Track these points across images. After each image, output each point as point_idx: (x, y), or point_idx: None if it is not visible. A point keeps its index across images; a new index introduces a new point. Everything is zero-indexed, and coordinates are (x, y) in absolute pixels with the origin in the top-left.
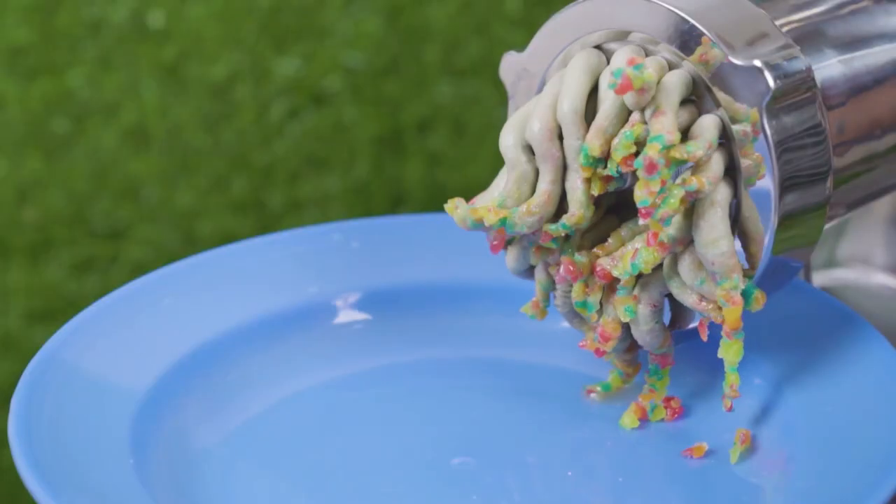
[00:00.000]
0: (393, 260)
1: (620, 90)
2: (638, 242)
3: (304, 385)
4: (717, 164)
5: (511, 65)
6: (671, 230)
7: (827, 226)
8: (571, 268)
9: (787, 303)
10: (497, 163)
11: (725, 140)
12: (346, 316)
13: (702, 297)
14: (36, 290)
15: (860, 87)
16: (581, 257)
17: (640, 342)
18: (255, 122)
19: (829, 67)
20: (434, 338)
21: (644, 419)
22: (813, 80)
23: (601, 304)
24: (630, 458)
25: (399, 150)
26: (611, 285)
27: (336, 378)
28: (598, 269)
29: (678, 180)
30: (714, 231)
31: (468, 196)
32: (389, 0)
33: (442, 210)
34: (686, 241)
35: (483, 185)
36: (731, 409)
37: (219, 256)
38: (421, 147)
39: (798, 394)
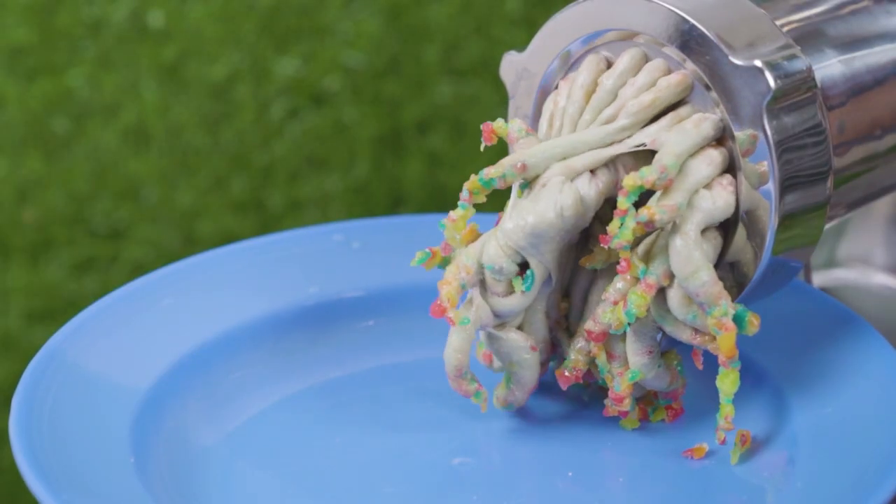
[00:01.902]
0: (394, 260)
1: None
2: (619, 282)
3: (305, 385)
4: (680, 193)
5: (511, 65)
6: (651, 267)
7: (827, 226)
8: (567, 376)
9: (787, 304)
10: (496, 163)
11: (725, 139)
12: (347, 316)
13: (696, 331)
14: (36, 290)
15: (860, 87)
16: (577, 355)
17: (649, 388)
18: (255, 122)
19: (830, 67)
20: (434, 338)
21: (644, 420)
22: (813, 79)
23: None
24: (630, 458)
25: (399, 150)
26: (607, 344)
27: (336, 378)
28: (589, 336)
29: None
30: (690, 264)
31: None
32: (389, 0)
33: (442, 210)
34: (670, 273)
35: None
36: (724, 442)
37: (219, 256)
38: (421, 147)
39: (798, 395)
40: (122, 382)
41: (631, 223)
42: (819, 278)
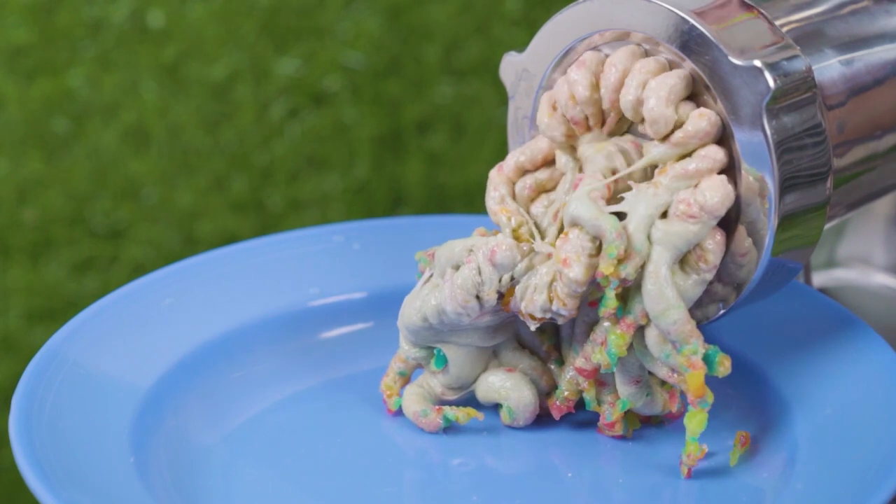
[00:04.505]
0: (394, 261)
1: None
2: (606, 322)
3: (305, 385)
4: (634, 237)
5: (511, 65)
6: (629, 307)
7: (827, 226)
8: (559, 405)
9: (787, 306)
10: (496, 163)
11: (725, 138)
12: (347, 317)
13: (672, 370)
14: (36, 290)
15: (860, 87)
16: (568, 386)
17: (642, 415)
18: (255, 122)
19: (829, 67)
20: None
21: (644, 421)
22: (813, 79)
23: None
24: (630, 459)
25: (399, 150)
26: (597, 378)
27: (337, 378)
28: (581, 373)
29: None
30: (660, 302)
31: (468, 197)
32: (389, 0)
33: (442, 210)
34: (646, 312)
35: (482, 185)
36: (689, 477)
37: (219, 256)
38: (421, 147)
39: (797, 396)
40: (123, 382)
41: (611, 293)
42: (819, 278)
